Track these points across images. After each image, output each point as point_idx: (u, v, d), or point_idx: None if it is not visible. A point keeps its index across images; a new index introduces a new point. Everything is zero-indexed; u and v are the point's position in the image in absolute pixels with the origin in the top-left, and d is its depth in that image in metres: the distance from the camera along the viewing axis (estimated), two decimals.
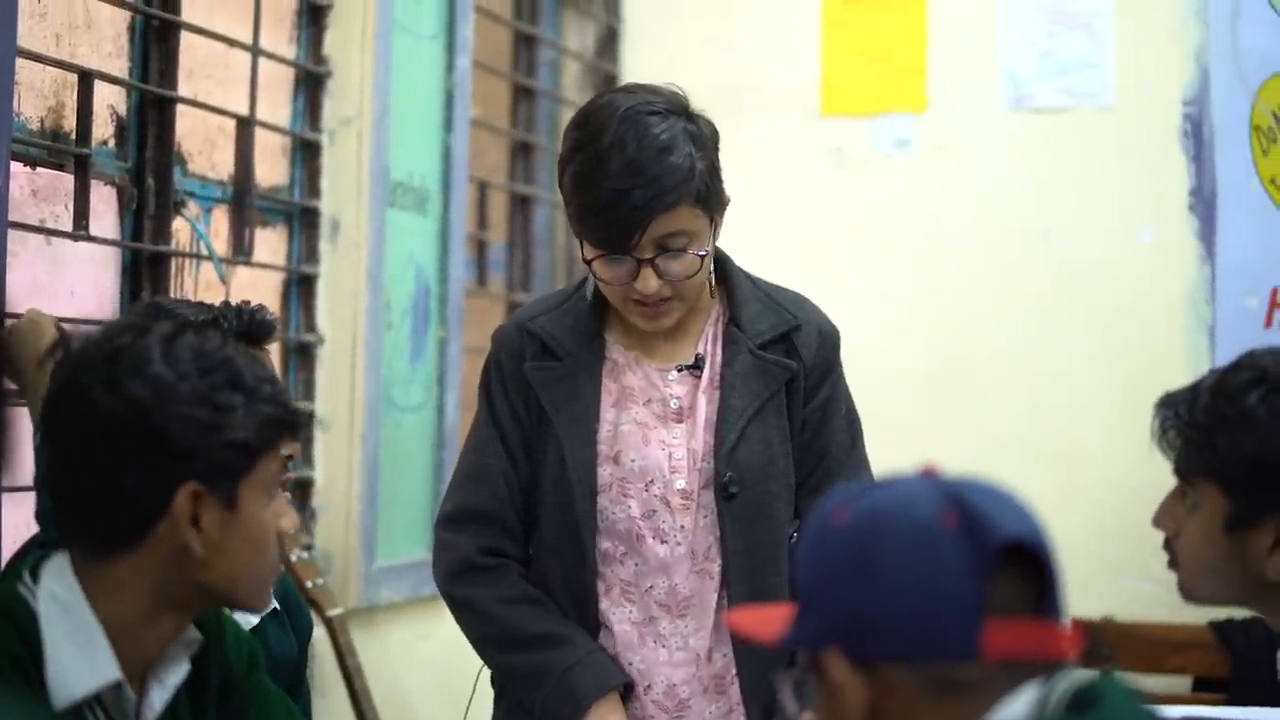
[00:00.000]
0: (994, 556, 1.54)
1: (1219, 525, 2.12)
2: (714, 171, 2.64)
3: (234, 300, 2.65)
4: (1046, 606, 1.57)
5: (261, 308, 2.65)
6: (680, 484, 2.65)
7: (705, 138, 2.63)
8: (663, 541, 2.65)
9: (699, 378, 2.69)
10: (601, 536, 2.66)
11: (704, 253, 2.61)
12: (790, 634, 1.62)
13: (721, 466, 2.64)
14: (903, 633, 1.53)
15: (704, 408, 2.68)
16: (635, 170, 2.54)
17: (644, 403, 2.68)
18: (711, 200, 2.62)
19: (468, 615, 2.71)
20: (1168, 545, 2.21)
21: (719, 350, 2.71)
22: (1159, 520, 2.20)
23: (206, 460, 1.90)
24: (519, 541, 2.70)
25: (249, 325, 2.60)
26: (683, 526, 2.65)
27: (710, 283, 2.70)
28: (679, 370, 2.70)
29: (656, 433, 2.67)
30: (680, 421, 2.68)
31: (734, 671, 2.66)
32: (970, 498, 1.56)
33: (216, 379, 1.92)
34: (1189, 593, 2.22)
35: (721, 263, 2.75)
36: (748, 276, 2.77)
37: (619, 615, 2.67)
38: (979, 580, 1.53)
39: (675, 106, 2.62)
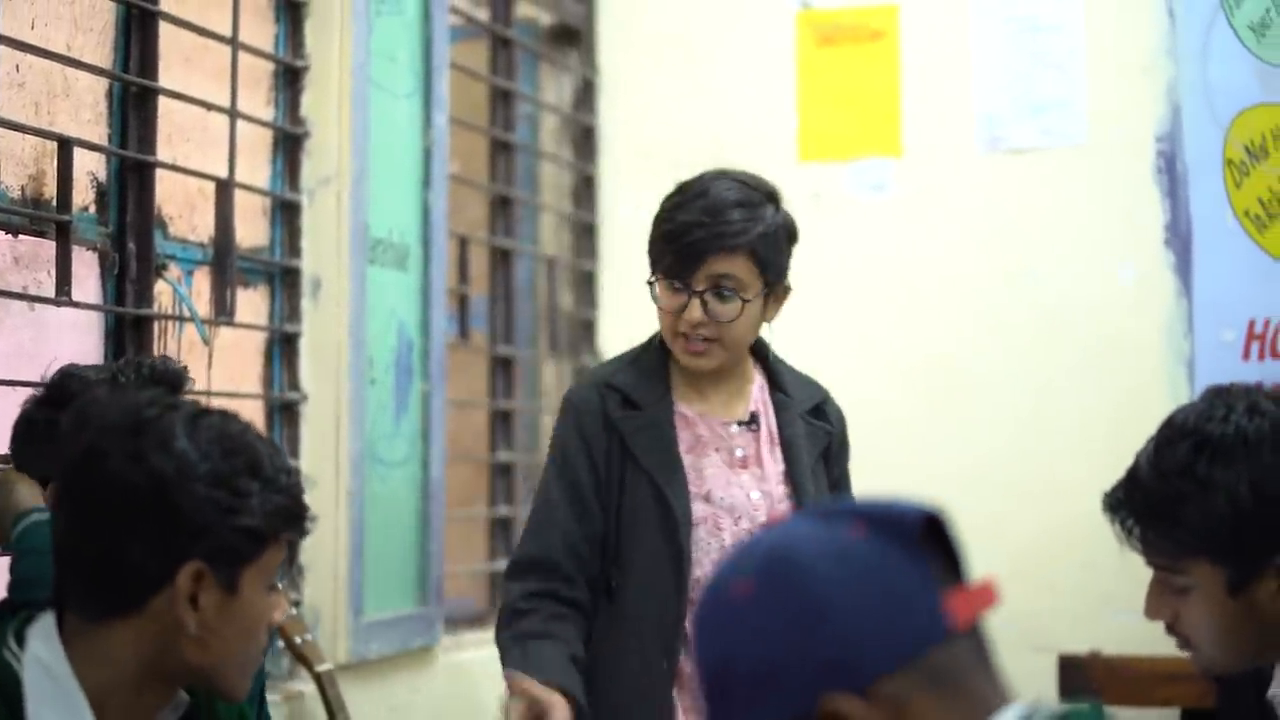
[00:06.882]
0: (916, 538, 1.54)
1: (1221, 593, 2.15)
2: (778, 245, 2.98)
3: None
4: (964, 572, 1.58)
5: (166, 358, 2.65)
6: (763, 520, 2.89)
7: (780, 221, 2.99)
8: None
9: (756, 432, 3.03)
10: (695, 565, 2.92)
11: (748, 299, 2.93)
12: (767, 716, 1.55)
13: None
14: (882, 644, 1.52)
15: (768, 461, 2.99)
16: (708, 212, 2.94)
17: (715, 450, 3.01)
18: (768, 264, 2.96)
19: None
20: (1170, 630, 2.23)
21: (770, 410, 3.06)
22: (1151, 613, 2.22)
23: (215, 541, 1.92)
24: (573, 584, 2.95)
25: (152, 376, 2.54)
26: None
27: (750, 347, 3.04)
28: (739, 425, 3.03)
29: (732, 476, 2.99)
30: (745, 469, 3.01)
31: None
32: (859, 507, 1.57)
33: (237, 463, 1.94)
34: (1209, 668, 2.23)
35: (762, 345, 3.08)
36: (780, 360, 3.11)
37: None
38: (919, 562, 1.53)
39: (764, 189, 3.01)
